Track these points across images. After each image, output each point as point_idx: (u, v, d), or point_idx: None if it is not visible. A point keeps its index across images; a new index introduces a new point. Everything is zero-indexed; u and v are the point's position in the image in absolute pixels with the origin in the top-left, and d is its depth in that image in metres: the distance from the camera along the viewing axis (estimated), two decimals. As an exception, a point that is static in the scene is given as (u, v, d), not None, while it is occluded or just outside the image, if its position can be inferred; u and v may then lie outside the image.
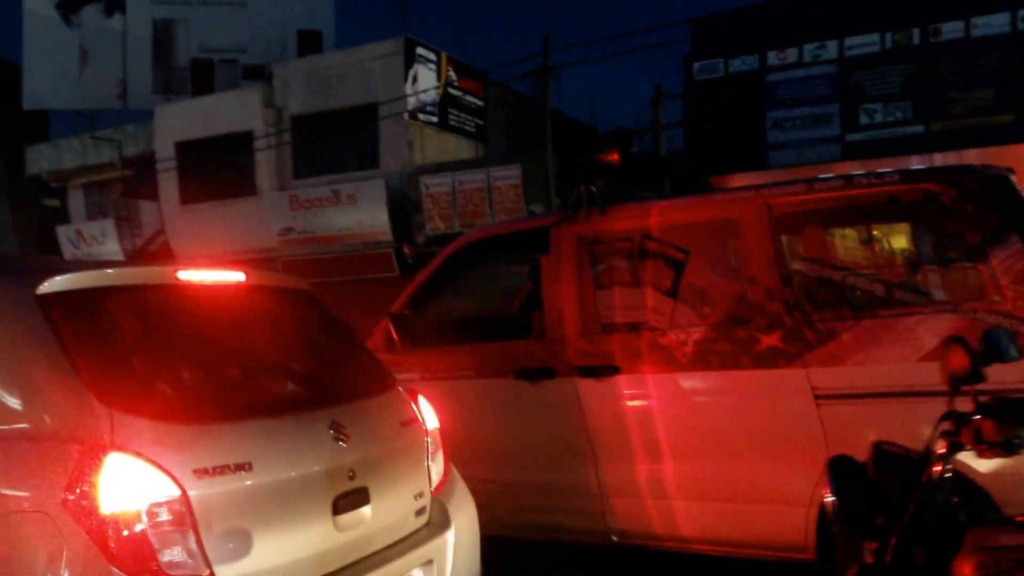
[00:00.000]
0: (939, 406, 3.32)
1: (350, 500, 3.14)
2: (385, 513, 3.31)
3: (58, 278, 2.97)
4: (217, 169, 23.22)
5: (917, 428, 3.64)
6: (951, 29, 19.33)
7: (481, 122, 23.30)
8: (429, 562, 3.44)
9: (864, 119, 19.89)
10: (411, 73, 20.73)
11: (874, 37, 19.97)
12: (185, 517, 2.66)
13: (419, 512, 3.57)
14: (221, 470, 2.77)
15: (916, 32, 19.76)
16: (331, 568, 3.05)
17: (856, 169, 17.85)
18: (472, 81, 23.06)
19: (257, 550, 2.80)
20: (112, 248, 24.44)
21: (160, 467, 2.66)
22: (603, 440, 4.89)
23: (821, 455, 4.03)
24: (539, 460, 5.12)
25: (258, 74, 29.00)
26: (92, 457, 2.60)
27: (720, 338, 4.61)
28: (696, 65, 21.62)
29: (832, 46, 20.46)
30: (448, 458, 3.96)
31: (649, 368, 4.78)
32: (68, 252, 25.20)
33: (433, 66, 21.50)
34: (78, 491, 2.58)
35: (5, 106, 33.18)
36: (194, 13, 29.77)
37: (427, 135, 21.19)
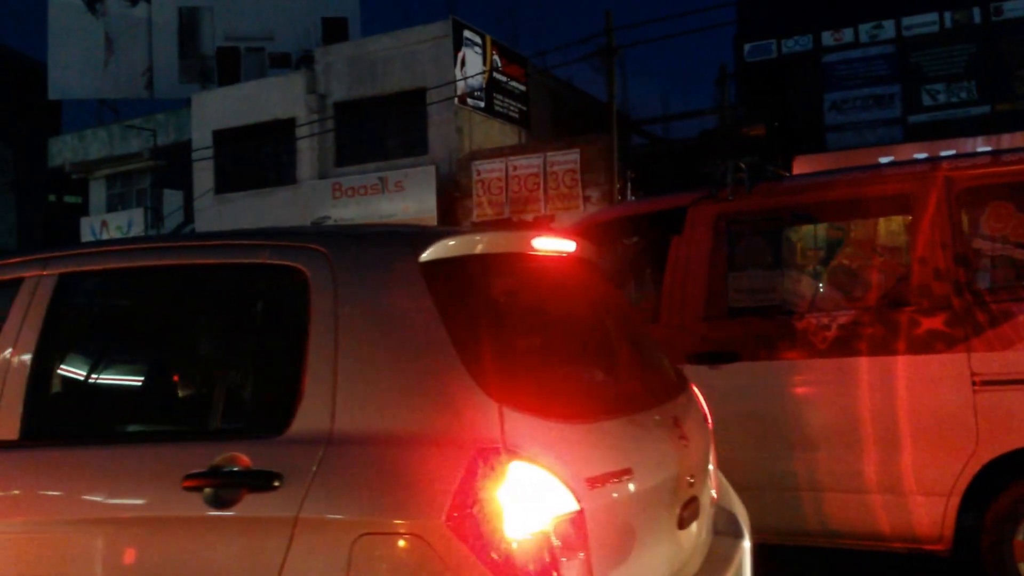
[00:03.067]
0: None
1: (690, 510, 2.75)
2: (704, 524, 2.94)
3: (442, 243, 2.52)
4: (255, 157, 22.90)
5: None
6: (1013, 7, 19.05)
7: (524, 107, 23.00)
8: None
9: (927, 100, 19.67)
10: (459, 57, 20.40)
11: (933, 16, 19.73)
12: (581, 537, 2.22)
13: (714, 519, 3.19)
14: (609, 478, 2.37)
15: (977, 11, 19.36)
16: None
17: (919, 151, 17.51)
18: (515, 66, 22.78)
19: (625, 572, 2.40)
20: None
21: (559, 477, 2.21)
22: (714, 429, 4.60)
23: (970, 444, 3.98)
24: None
25: (285, 62, 28.82)
26: (487, 466, 2.14)
27: (871, 322, 4.37)
28: (747, 47, 21.36)
29: (889, 25, 20.18)
30: (716, 461, 3.51)
31: (776, 354, 4.54)
32: (92, 244, 24.89)
33: (479, 50, 21.27)
34: (470, 509, 2.10)
35: (17, 100, 33.02)
36: (219, 0, 29.36)
37: (475, 120, 20.84)
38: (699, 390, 4.04)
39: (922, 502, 4.18)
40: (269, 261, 2.61)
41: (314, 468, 2.24)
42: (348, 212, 20.77)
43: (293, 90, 22.45)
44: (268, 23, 29.38)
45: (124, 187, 28.37)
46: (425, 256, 2.46)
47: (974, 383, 4.05)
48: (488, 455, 2.15)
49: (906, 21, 19.71)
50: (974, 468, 3.99)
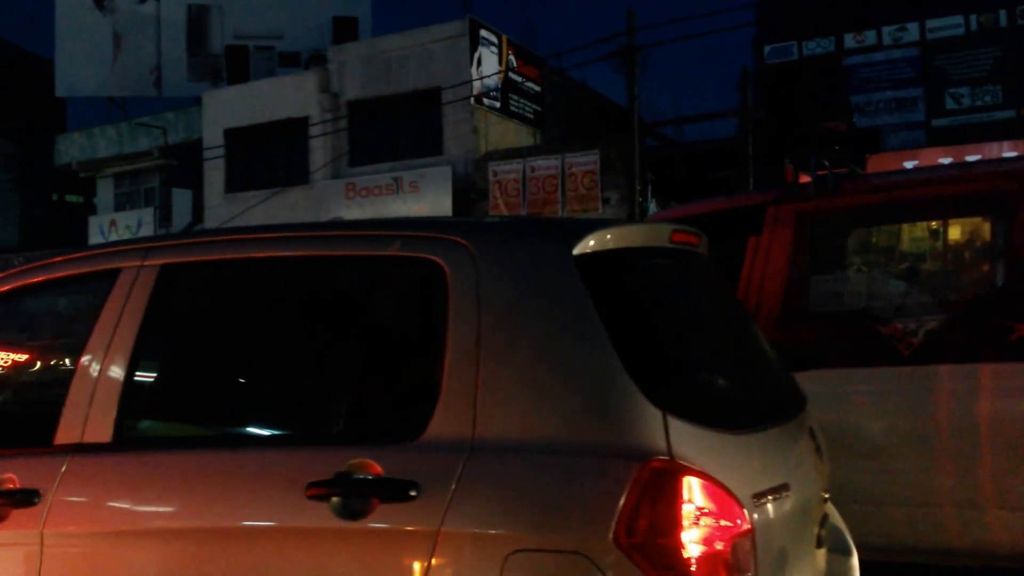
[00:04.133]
0: None
1: (826, 529, 2.61)
2: (829, 540, 2.74)
3: (595, 235, 2.35)
4: (267, 156, 22.71)
5: None
6: (1040, 10, 18.90)
7: (539, 108, 22.81)
8: None
9: (951, 104, 19.46)
10: (476, 56, 20.19)
11: (958, 19, 19.53)
12: (752, 558, 2.06)
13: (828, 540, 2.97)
14: (772, 493, 2.21)
15: (1003, 14, 19.19)
16: None
17: (943, 156, 17.36)
18: (530, 66, 22.59)
19: None
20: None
21: (731, 493, 2.05)
22: None
23: None
24: None
25: (295, 61, 28.63)
26: (658, 480, 1.98)
27: (963, 328, 4.20)
28: (767, 48, 21.18)
29: (913, 28, 19.97)
30: None
31: (860, 361, 4.34)
32: (98, 242, 24.71)
33: (495, 49, 21.10)
34: (641, 526, 1.94)
35: (22, 97, 32.89)
36: (229, -2, 29.30)
37: (491, 121, 20.64)
38: None
39: (1008, 517, 4.01)
40: (402, 253, 2.45)
41: (456, 477, 2.08)
42: (362, 213, 20.58)
43: (306, 89, 22.30)
44: (278, 22, 29.22)
45: (132, 186, 28.20)
46: (579, 249, 2.29)
47: None
48: (661, 468, 1.98)
49: (930, 23, 19.55)
50: None
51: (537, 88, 23.07)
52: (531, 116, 22.76)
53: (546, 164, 19.03)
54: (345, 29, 28.95)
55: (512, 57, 21.90)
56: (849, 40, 20.61)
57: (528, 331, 2.24)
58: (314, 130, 21.91)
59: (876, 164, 16.80)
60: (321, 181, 21.81)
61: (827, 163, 4.62)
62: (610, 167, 18.49)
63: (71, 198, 35.15)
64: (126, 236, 24.10)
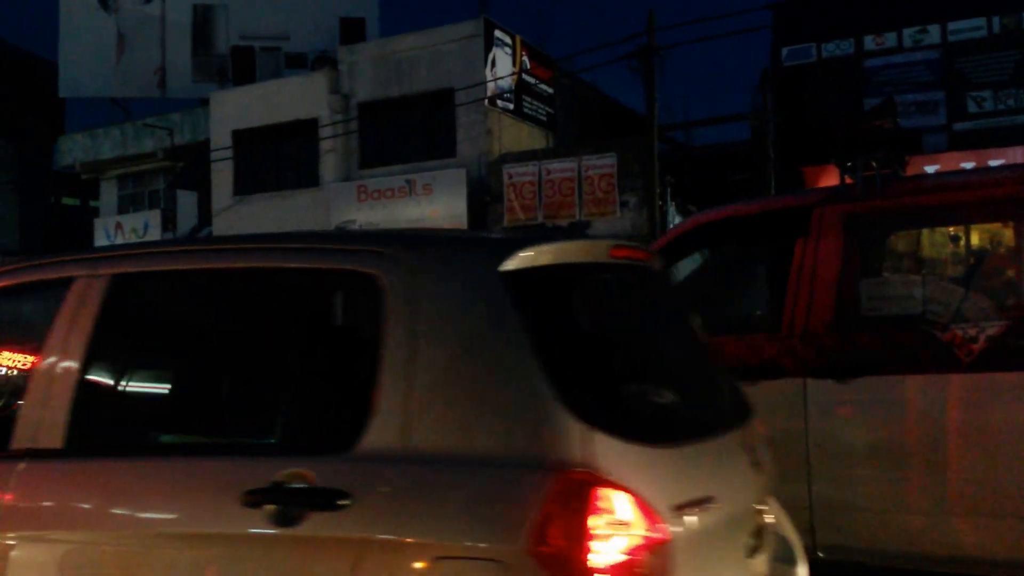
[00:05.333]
0: None
1: (759, 539, 2.65)
2: (768, 552, 2.77)
3: (525, 252, 2.42)
4: (276, 158, 22.57)
5: None
6: (1063, 13, 18.83)
7: (551, 110, 22.68)
8: None
9: (972, 107, 19.31)
10: (490, 57, 20.03)
11: (980, 21, 19.41)
12: (669, 568, 2.13)
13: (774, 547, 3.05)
14: (694, 505, 2.27)
15: (1026, 16, 19.10)
16: None
17: (966, 160, 17.21)
18: (543, 68, 22.45)
19: None
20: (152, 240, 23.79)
21: (644, 504, 2.12)
22: (826, 448, 4.44)
23: None
24: None
25: (301, 62, 28.51)
26: (573, 491, 2.07)
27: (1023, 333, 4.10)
28: (785, 50, 21.05)
29: (934, 30, 19.84)
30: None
31: (916, 368, 4.27)
32: (103, 245, 24.55)
33: (509, 50, 20.98)
34: (555, 535, 2.04)
35: (22, 98, 32.73)
36: (234, -2, 29.18)
37: (504, 123, 20.49)
38: (826, 406, 4.27)
39: None
40: (339, 266, 2.57)
41: (385, 487, 2.22)
42: (374, 215, 20.40)
43: (315, 90, 22.16)
44: (284, 22, 29.15)
45: (136, 188, 28.06)
46: (507, 265, 2.37)
47: None
48: (574, 479, 2.08)
49: (952, 26, 19.46)
50: None
51: (550, 90, 22.95)
52: (544, 119, 22.62)
53: (562, 167, 18.87)
54: (352, 30, 28.84)
55: (526, 58, 21.75)
56: (869, 42, 20.53)
57: (456, 346, 2.32)
58: (324, 132, 21.71)
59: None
60: (331, 184, 21.61)
61: (874, 164, 4.55)
62: (627, 170, 18.33)
63: (68, 201, 34.96)
64: (132, 239, 23.98)
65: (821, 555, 4.52)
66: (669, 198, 18.41)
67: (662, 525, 2.12)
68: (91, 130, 28.32)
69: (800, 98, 20.20)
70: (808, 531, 4.41)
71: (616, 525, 2.07)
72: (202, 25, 29.67)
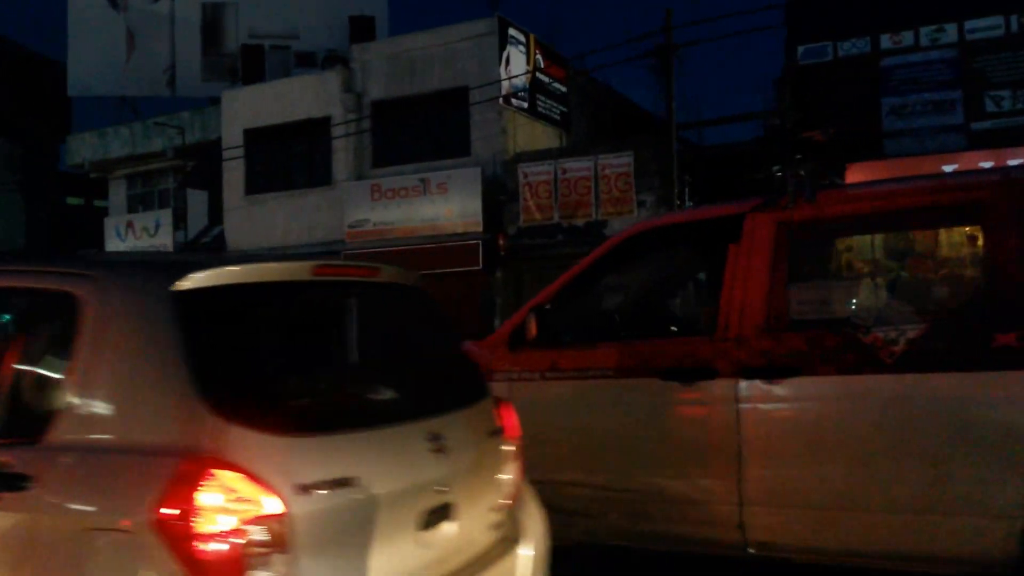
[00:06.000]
0: None
1: (437, 515, 3.08)
2: (467, 528, 3.25)
3: (198, 274, 2.83)
4: (288, 157, 22.55)
5: None
6: (1082, 11, 18.81)
7: (565, 109, 22.67)
8: None
9: (990, 106, 19.29)
10: (504, 55, 20.02)
11: (998, 20, 19.36)
12: (284, 536, 2.54)
13: (495, 526, 3.51)
14: (325, 485, 2.67)
15: (1044, 14, 19.07)
16: None
17: (982, 160, 17.19)
18: (557, 67, 22.44)
19: (347, 569, 2.75)
20: (164, 240, 23.78)
21: (263, 483, 2.53)
22: (755, 446, 4.64)
23: None
24: (670, 467, 4.92)
25: (311, 61, 28.50)
26: (190, 471, 2.49)
27: (943, 337, 4.34)
28: (800, 49, 21.01)
29: (951, 29, 19.78)
30: (523, 469, 3.86)
31: (839, 369, 4.47)
32: (113, 244, 24.51)
33: (523, 48, 20.93)
34: (171, 508, 2.46)
35: (29, 97, 32.81)
36: (243, -4, 29.22)
37: (518, 122, 20.47)
38: (755, 405, 4.53)
39: (988, 524, 4.14)
40: (50, 286, 3.06)
41: (61, 472, 2.69)
42: (388, 215, 20.41)
43: (328, 88, 22.17)
44: (293, 20, 29.21)
45: (145, 187, 28.07)
46: (179, 285, 2.78)
47: None
48: (192, 462, 2.49)
49: (969, 24, 19.42)
50: None
51: (563, 89, 22.95)
52: (557, 117, 22.61)
53: (578, 166, 18.87)
54: (362, 28, 28.83)
55: (539, 57, 21.74)
56: (886, 41, 20.50)
57: (128, 354, 2.77)
58: (336, 131, 21.69)
59: (914, 167, 16.61)
60: (345, 182, 21.59)
61: (803, 172, 4.77)
62: (643, 169, 18.31)
63: (72, 200, 34.99)
64: (144, 238, 23.93)
65: (751, 551, 4.76)
66: (687, 196, 18.39)
67: (278, 500, 2.51)
68: (100, 129, 28.32)
69: (816, 97, 20.17)
70: (739, 528, 4.68)
71: (231, 501, 2.47)
72: (211, 23, 29.72)
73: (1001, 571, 4.16)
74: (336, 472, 2.71)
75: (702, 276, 5.49)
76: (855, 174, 18.82)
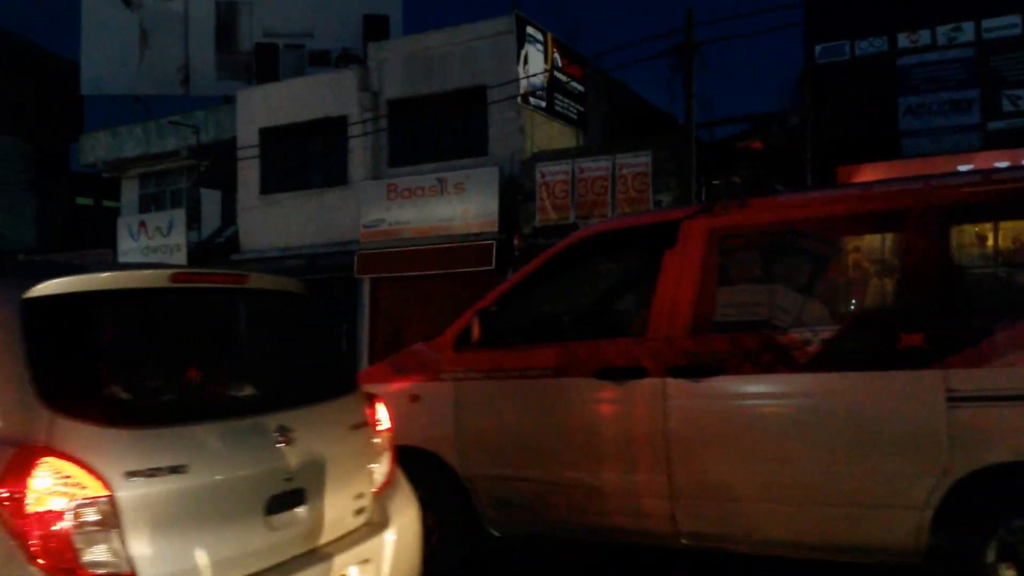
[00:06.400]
0: None
1: (285, 501, 3.36)
2: (321, 513, 3.54)
3: (51, 282, 3.13)
4: (304, 157, 22.61)
5: None
6: (1100, 11, 18.82)
7: (582, 108, 22.71)
8: (366, 561, 3.66)
9: (1007, 106, 19.36)
10: (522, 54, 20.06)
11: (1015, 19, 19.43)
12: (111, 518, 2.85)
13: (358, 512, 3.80)
14: (154, 472, 2.96)
15: (1063, 14, 19.10)
16: (263, 565, 3.27)
17: (999, 159, 17.23)
18: (574, 66, 22.47)
19: (184, 548, 3.01)
20: (177, 240, 23.81)
21: (90, 470, 2.84)
22: (683, 442, 4.95)
23: (944, 459, 4.24)
24: (606, 462, 5.19)
25: (325, 60, 28.55)
26: (24, 459, 2.81)
27: (854, 338, 4.65)
28: (818, 48, 21.05)
29: (968, 28, 19.84)
30: (395, 460, 4.19)
31: (757, 368, 4.78)
32: (125, 244, 24.55)
33: (540, 47, 20.99)
34: (6, 490, 2.77)
35: (40, 97, 32.91)
36: (257, -5, 29.28)
37: (536, 121, 20.52)
38: (682, 403, 4.84)
39: (898, 515, 4.42)
40: None
41: None
42: (404, 214, 20.46)
43: (344, 87, 22.21)
44: (308, 19, 29.23)
45: (158, 187, 28.16)
46: (30, 293, 3.07)
47: (949, 399, 4.26)
48: (26, 450, 2.81)
49: (986, 23, 19.47)
50: (948, 482, 4.24)
51: (581, 88, 22.98)
52: (574, 117, 22.65)
53: (595, 165, 18.90)
54: (376, 27, 28.89)
55: (557, 56, 21.78)
56: (903, 40, 20.52)
57: None
58: (353, 130, 21.74)
59: (929, 167, 16.62)
60: (361, 182, 21.66)
61: (737, 180, 4.95)
62: (661, 169, 18.35)
63: (82, 200, 35.07)
64: (156, 238, 24.00)
65: (684, 541, 5.07)
66: (704, 197, 18.42)
67: (102, 485, 2.83)
68: (114, 128, 28.39)
69: (834, 96, 20.20)
70: (671, 520, 4.99)
71: (61, 485, 2.79)
72: (225, 22, 29.76)
73: (913, 560, 4.45)
74: (166, 460, 3.01)
75: (642, 279, 5.76)
76: (870, 174, 18.90)
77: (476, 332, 5.52)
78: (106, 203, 33.21)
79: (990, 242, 4.71)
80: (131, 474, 2.90)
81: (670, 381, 4.92)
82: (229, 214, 26.30)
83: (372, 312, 21.51)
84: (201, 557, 3.04)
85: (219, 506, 3.15)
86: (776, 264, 5.05)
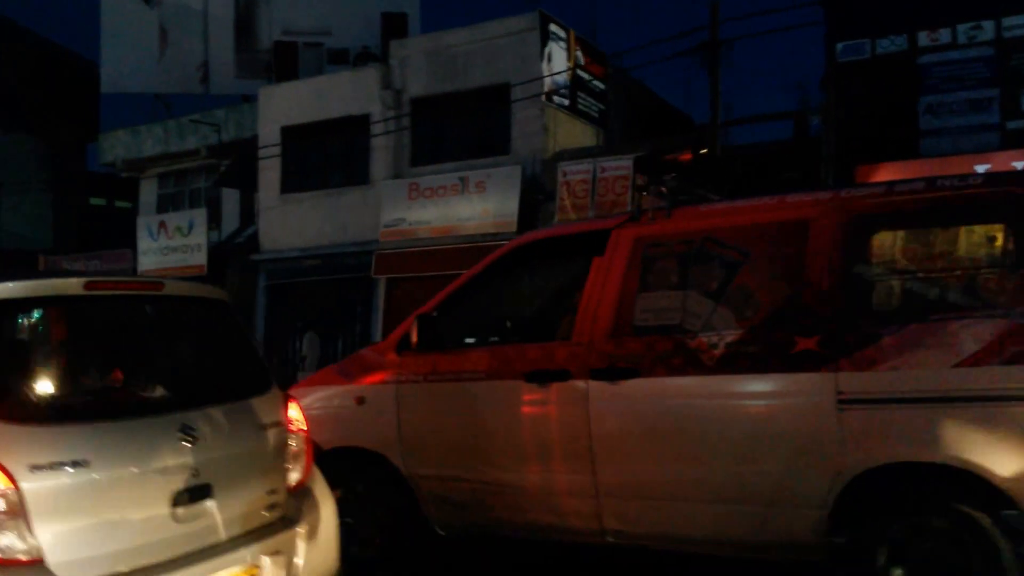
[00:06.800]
0: (974, 412, 4.16)
1: (190, 495, 3.58)
2: (229, 507, 3.76)
3: None
4: (325, 155, 22.69)
5: (941, 434, 4.23)
6: (1121, 9, 18.84)
7: (603, 107, 22.79)
8: (277, 552, 3.87)
9: (1026, 106, 19.27)
10: (546, 51, 20.15)
11: (1035, 17, 19.34)
12: (17, 507, 3.11)
13: (272, 507, 4.02)
14: (56, 466, 3.22)
15: (1084, 13, 19.13)
16: (170, 554, 3.50)
17: (1018, 159, 17.29)
18: (596, 64, 22.53)
19: (90, 536, 3.26)
20: (198, 240, 23.95)
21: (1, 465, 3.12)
22: (605, 443, 5.16)
23: (838, 459, 4.46)
24: (535, 462, 5.42)
25: (343, 58, 28.67)
26: None
27: (755, 341, 4.84)
28: (839, 46, 21.13)
29: (989, 26, 19.89)
30: (311, 458, 4.45)
31: (669, 371, 5.01)
32: (145, 244, 24.69)
33: (563, 44, 21.05)
34: None
35: (56, 96, 33.02)
36: (276, -8, 29.42)
37: (559, 119, 20.62)
38: (602, 404, 5.06)
39: (799, 514, 4.63)
40: None
41: None
42: (426, 214, 20.55)
43: (367, 85, 22.32)
44: (326, 17, 29.42)
45: (177, 186, 28.29)
46: None
47: (840, 401, 4.48)
48: None
49: (1007, 22, 19.49)
50: (841, 483, 4.45)
51: (602, 86, 23.06)
52: (596, 115, 22.74)
53: (617, 164, 18.98)
54: (394, 25, 29.02)
55: (579, 53, 21.86)
56: (923, 38, 20.58)
57: None
58: (375, 128, 21.86)
59: (948, 167, 16.69)
60: (383, 181, 21.79)
61: (663, 190, 5.41)
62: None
63: (95, 201, 35.23)
64: (177, 238, 24.16)
65: (610, 539, 5.29)
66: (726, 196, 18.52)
67: (5, 477, 3.09)
68: (133, 127, 28.56)
69: (855, 94, 20.27)
70: (597, 518, 5.22)
71: None
72: (244, 20, 29.93)
73: (813, 555, 4.67)
74: (69, 455, 3.25)
75: (573, 286, 5.93)
76: (889, 173, 18.96)
77: (415, 337, 5.75)
78: (118, 203, 33.38)
79: (887, 251, 4.87)
80: (35, 467, 3.16)
81: (591, 383, 5.16)
82: (248, 214, 26.45)
83: (386, 312, 21.54)
84: (106, 545, 3.29)
85: (123, 498, 3.38)
86: (693, 271, 5.22)
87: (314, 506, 4.25)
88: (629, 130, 23.89)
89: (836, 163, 19.15)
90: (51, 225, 32.23)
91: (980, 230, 4.73)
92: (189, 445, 3.62)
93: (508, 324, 6.39)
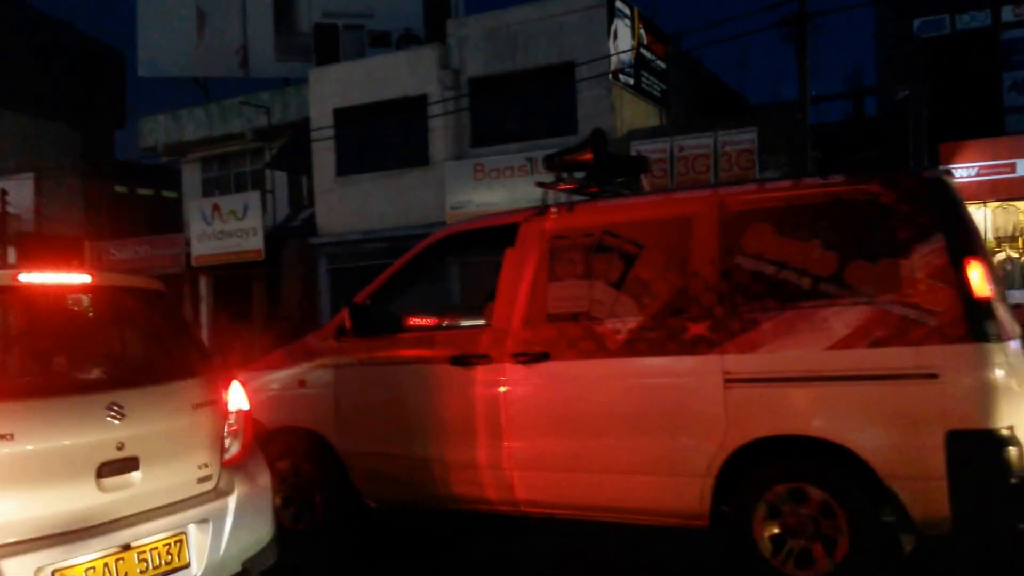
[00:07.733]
0: (841, 390, 4.76)
1: (116, 467, 3.79)
2: (157, 478, 3.97)
3: None
4: (381, 137, 22.13)
5: (812, 410, 4.85)
6: None
7: (665, 87, 22.17)
8: (204, 520, 4.08)
9: (1117, 81, 18.65)
10: (612, 29, 19.52)
11: None
12: None
13: (203, 480, 4.23)
14: None
15: None
16: (95, 521, 3.70)
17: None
18: (659, 43, 21.91)
19: (17, 504, 3.46)
20: (253, 223, 23.32)
21: None
22: (517, 421, 5.67)
23: (721, 432, 5.03)
24: (457, 440, 5.90)
25: (385, 41, 28.10)
26: None
27: (652, 327, 5.33)
28: (917, 21, 20.50)
29: (1078, -1, 19.17)
30: (251, 435, 4.72)
31: (578, 354, 5.52)
32: (198, 228, 24.06)
33: (628, 22, 20.46)
34: None
35: (87, 85, 32.59)
36: (316, -27, 28.86)
37: (625, 99, 20.00)
38: (517, 386, 5.63)
39: (685, 483, 5.18)
40: None
41: None
42: (492, 196, 19.97)
43: (424, 65, 21.83)
44: (367, -1, 28.71)
45: (221, 170, 27.69)
46: None
47: (726, 381, 5.04)
48: None
49: (1097, -7, 18.84)
50: (725, 453, 5.01)
51: (664, 65, 22.46)
52: (658, 95, 22.14)
53: (696, 143, 18.43)
54: (436, 6, 28.45)
55: (643, 31, 21.22)
56: (1007, 13, 19.95)
57: None
58: (433, 109, 21.24)
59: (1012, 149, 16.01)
60: (445, 162, 21.18)
61: (570, 185, 6.10)
62: (768, 145, 17.82)
63: (119, 188, 34.71)
64: (231, 221, 23.56)
65: (524, 509, 5.84)
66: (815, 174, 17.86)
67: None
68: (174, 111, 27.94)
69: (935, 71, 19.64)
70: (510, 489, 5.76)
71: None
72: (283, 2, 29.34)
73: (700, 522, 5.22)
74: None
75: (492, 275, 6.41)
76: (973, 151, 18.37)
77: (348, 323, 6.27)
78: (139, 191, 32.85)
79: (764, 243, 5.16)
80: None
81: (508, 366, 5.70)
82: (298, 197, 25.85)
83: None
84: (32, 510, 3.49)
85: (48, 469, 3.60)
86: (596, 262, 5.62)
87: (248, 479, 4.47)
88: (689, 109, 23.27)
89: (927, 140, 18.43)
90: (83, 212, 31.66)
91: (845, 224, 5.08)
92: (116, 421, 3.83)
93: (435, 311, 6.88)
